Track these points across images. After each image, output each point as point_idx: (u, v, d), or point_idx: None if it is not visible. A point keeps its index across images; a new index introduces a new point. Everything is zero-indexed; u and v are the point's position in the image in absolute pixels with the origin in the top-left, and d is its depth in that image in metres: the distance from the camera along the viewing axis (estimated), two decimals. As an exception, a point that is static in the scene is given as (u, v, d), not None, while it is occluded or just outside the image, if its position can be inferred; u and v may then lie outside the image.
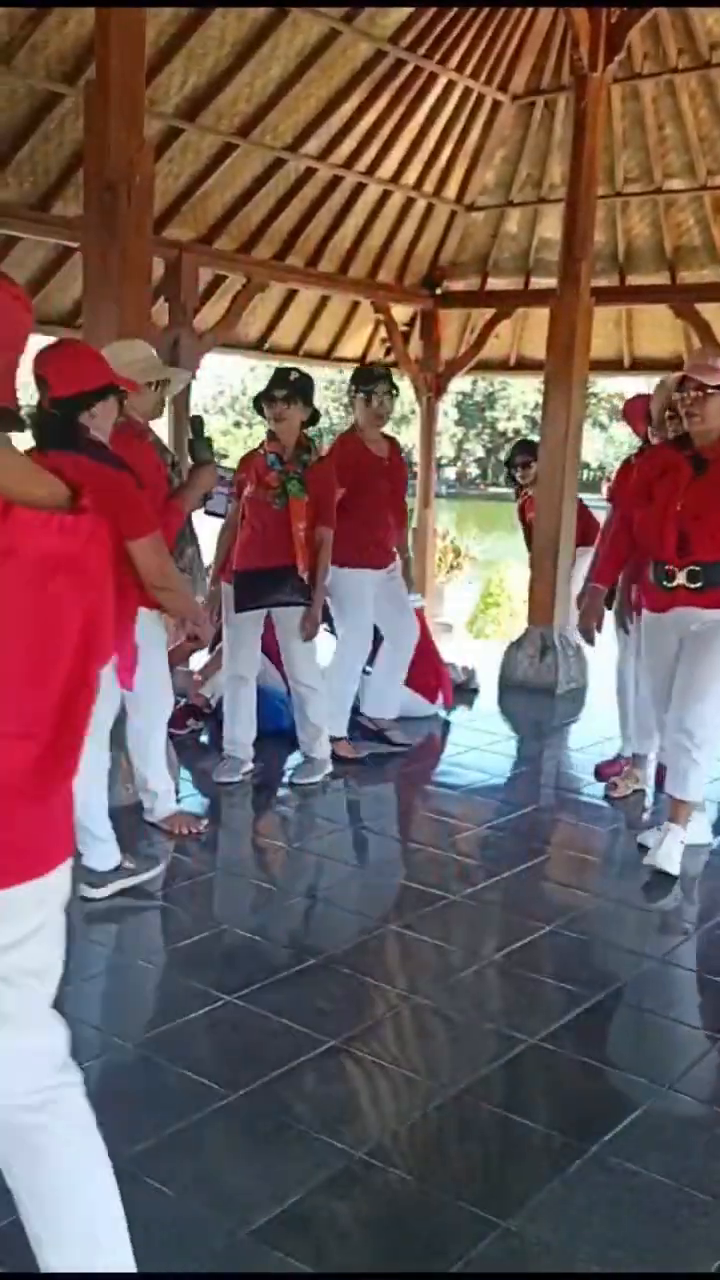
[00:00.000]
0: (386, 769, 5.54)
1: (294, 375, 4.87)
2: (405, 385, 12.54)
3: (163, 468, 4.14)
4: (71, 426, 3.36)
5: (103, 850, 3.74)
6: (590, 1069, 2.94)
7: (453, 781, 5.43)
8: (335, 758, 5.24)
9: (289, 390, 4.80)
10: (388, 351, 9.44)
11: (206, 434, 4.38)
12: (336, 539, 4.97)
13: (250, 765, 5.13)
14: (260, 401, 4.87)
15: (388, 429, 5.64)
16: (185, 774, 5.03)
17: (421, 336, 9.44)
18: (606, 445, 38.09)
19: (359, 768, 5.37)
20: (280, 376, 4.87)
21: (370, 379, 5.40)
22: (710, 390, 3.94)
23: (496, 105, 8.35)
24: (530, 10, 7.83)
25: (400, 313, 9.25)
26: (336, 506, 5.01)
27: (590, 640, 4.65)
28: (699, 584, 4.04)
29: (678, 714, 4.14)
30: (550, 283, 7.86)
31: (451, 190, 8.72)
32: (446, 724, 6.14)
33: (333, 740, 5.30)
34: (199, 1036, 3.00)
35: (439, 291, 9.20)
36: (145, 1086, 2.74)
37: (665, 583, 4.11)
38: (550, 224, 8.55)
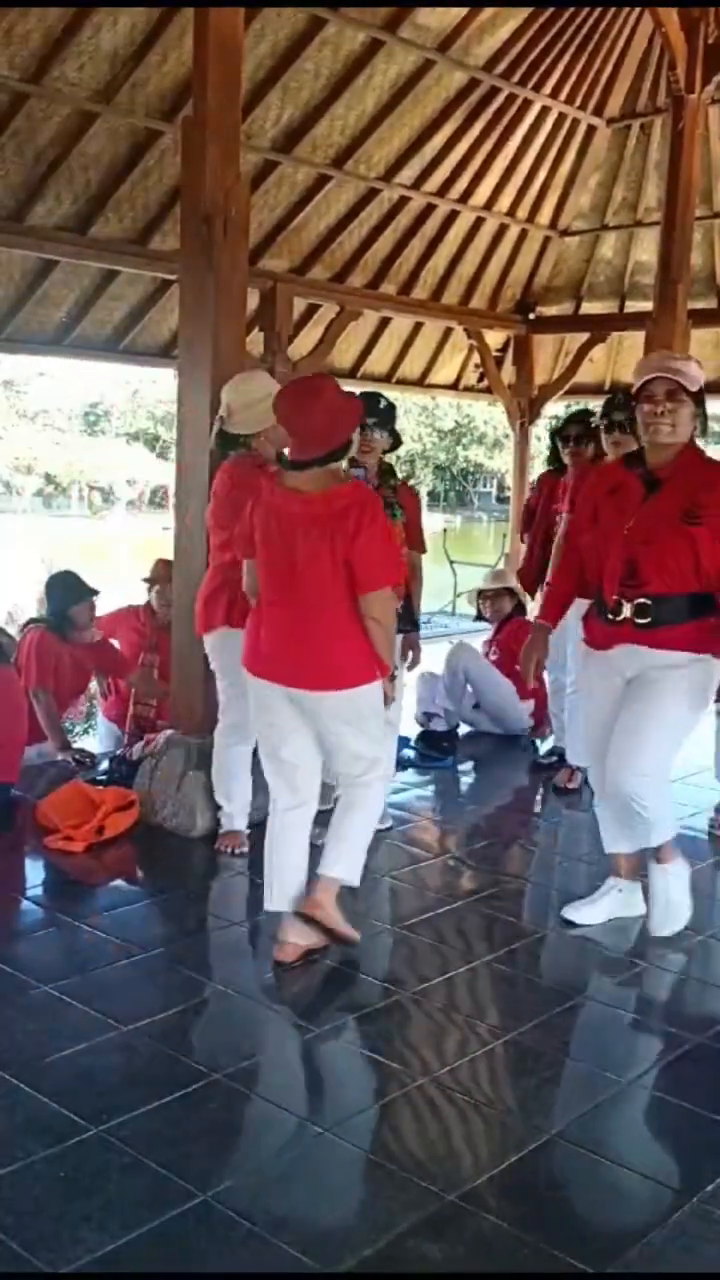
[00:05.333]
0: (491, 798, 5.55)
1: (383, 403, 4.84)
2: (498, 410, 12.53)
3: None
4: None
5: None
6: (690, 1114, 2.83)
7: (550, 817, 5.35)
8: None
9: (380, 418, 4.78)
10: (481, 378, 9.42)
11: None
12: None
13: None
14: None
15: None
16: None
17: (514, 362, 9.42)
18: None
19: (462, 800, 5.32)
20: (370, 404, 4.84)
21: (608, 408, 5.04)
22: (685, 395, 3.43)
23: (591, 130, 8.31)
24: (626, 34, 7.79)
25: (493, 339, 9.23)
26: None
27: (529, 679, 3.99)
28: (647, 620, 3.48)
29: (616, 774, 3.55)
30: (646, 306, 7.78)
31: (545, 216, 8.70)
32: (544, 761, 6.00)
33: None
34: (289, 1069, 2.98)
35: (532, 317, 9.16)
36: (234, 1119, 2.72)
37: (610, 616, 3.57)
38: (646, 247, 8.47)
